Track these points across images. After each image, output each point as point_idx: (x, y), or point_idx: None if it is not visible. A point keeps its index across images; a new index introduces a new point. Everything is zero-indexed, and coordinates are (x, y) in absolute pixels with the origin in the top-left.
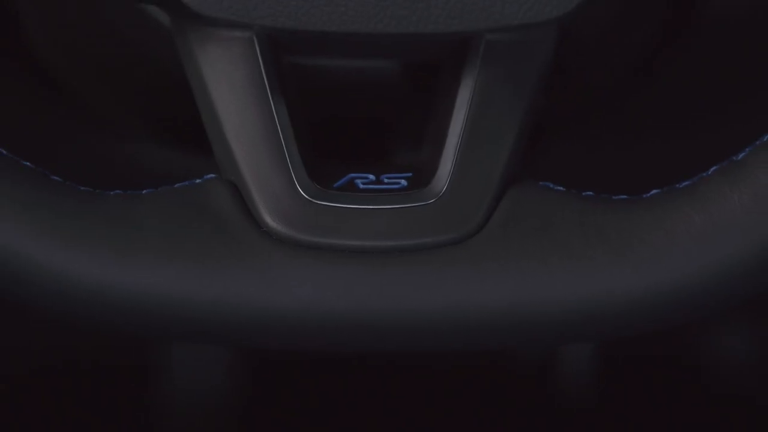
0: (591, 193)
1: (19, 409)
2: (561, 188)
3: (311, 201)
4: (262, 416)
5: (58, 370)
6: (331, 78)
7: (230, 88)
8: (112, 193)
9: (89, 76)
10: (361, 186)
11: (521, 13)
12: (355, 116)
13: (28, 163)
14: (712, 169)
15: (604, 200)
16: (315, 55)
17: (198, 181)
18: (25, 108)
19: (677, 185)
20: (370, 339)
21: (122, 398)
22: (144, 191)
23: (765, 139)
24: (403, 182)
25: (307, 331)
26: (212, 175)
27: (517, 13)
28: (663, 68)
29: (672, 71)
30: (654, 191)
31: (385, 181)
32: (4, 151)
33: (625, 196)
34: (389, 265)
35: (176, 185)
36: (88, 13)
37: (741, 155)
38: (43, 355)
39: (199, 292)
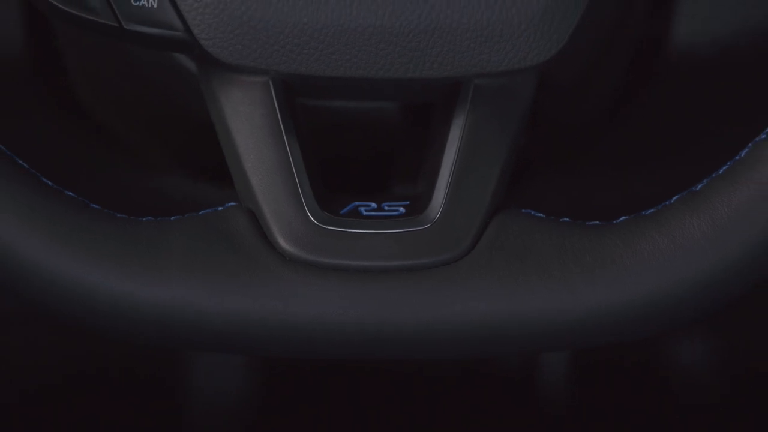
0: (567, 219)
1: (53, 413)
2: (541, 215)
3: (320, 226)
4: (275, 418)
5: (90, 378)
6: (338, 117)
7: (249, 127)
8: (144, 219)
9: (125, 116)
10: (365, 213)
11: (506, 61)
12: (359, 151)
13: (71, 193)
14: (674, 198)
15: (579, 226)
16: (324, 97)
17: (220, 208)
18: (69, 144)
19: (643, 212)
20: (372, 348)
21: (149, 402)
22: (173, 218)
23: (720, 172)
24: (402, 209)
25: (316, 341)
26: (232, 204)
27: (502, 61)
28: (630, 109)
29: (638, 112)
30: (623, 218)
31: (386, 208)
32: (50, 183)
33: (597, 222)
34: (389, 283)
35: (201, 212)
36: (124, 62)
37: (699, 186)
38: (75, 364)
39: (221, 307)
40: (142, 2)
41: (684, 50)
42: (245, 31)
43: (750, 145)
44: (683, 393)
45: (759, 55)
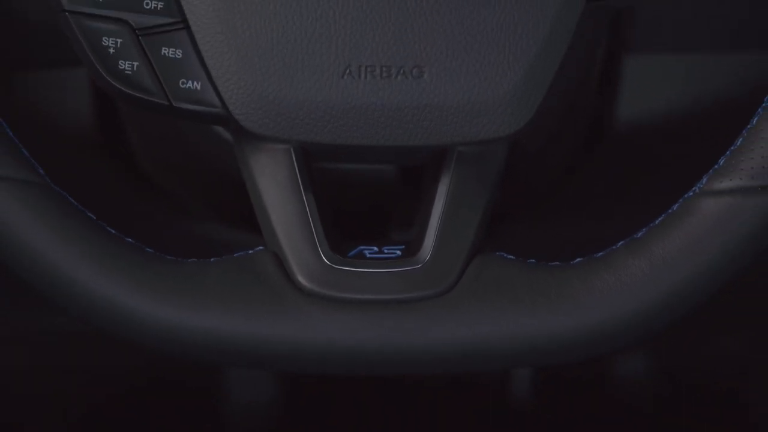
0: (533, 260)
1: (114, 416)
2: (512, 257)
3: (332, 266)
4: (297, 419)
5: (145, 387)
6: (346, 177)
7: (273, 185)
8: (188, 260)
9: (174, 176)
10: (368, 255)
11: (483, 132)
12: (364, 204)
13: (130, 240)
14: (619, 243)
15: (542, 266)
16: (335, 161)
17: (250, 252)
18: (128, 198)
19: (595, 255)
20: (374, 367)
21: (191, 407)
22: (212, 259)
23: (656, 223)
24: (399, 252)
25: (329, 361)
26: (260, 248)
27: (480, 132)
28: (583, 170)
29: (590, 172)
30: (578, 259)
31: (385, 251)
32: (113, 231)
33: (557, 263)
34: (388, 313)
35: (234, 255)
36: (173, 133)
37: (640, 234)
38: (136, 375)
39: (251, 333)
40: (188, 84)
41: (626, 121)
42: (272, 109)
43: (680, 200)
44: (628, 399)
45: (687, 127)
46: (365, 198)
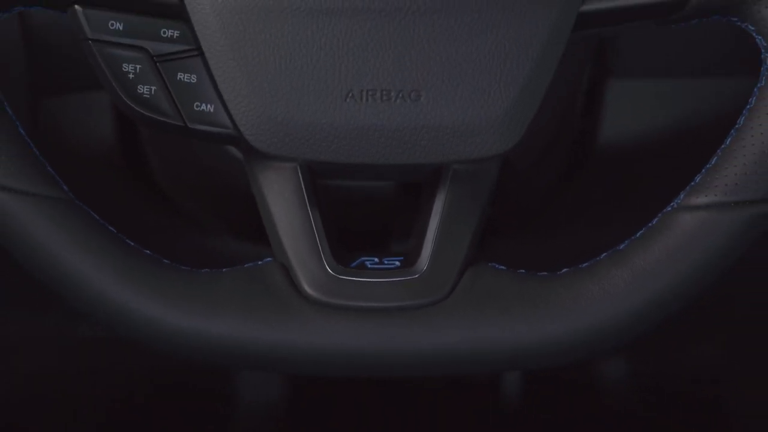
0: (523, 270)
1: (134, 415)
2: (503, 267)
3: (336, 276)
4: (303, 417)
5: (165, 388)
6: (349, 193)
7: (281, 201)
8: (202, 270)
9: (188, 192)
10: (369, 266)
11: (476, 151)
12: (366, 218)
13: (148, 252)
14: (603, 255)
15: (531, 276)
16: (339, 178)
17: (259, 262)
18: (146, 213)
19: (580, 266)
20: (374, 369)
21: (202, 406)
22: (224, 269)
23: (637, 236)
24: (398, 263)
25: (333, 364)
26: (269, 259)
27: (473, 152)
28: (569, 186)
29: (575, 188)
30: (565, 270)
31: (386, 262)
32: (132, 243)
33: (546, 273)
34: (388, 320)
35: (245, 265)
36: (188, 152)
37: (622, 246)
38: (152, 378)
39: (260, 338)
40: (202, 107)
41: (609, 142)
42: (279, 130)
43: (660, 215)
44: (611, 400)
45: (666, 147)
46: (367, 212)
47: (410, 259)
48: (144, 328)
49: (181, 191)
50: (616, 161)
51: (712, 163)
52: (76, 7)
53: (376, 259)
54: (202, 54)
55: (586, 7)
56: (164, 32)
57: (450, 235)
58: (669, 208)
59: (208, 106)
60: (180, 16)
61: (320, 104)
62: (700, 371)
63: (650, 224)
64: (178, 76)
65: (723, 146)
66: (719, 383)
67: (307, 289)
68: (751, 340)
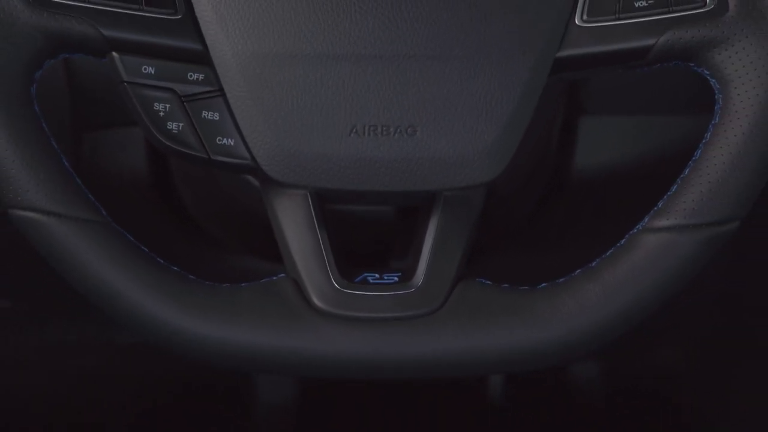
0: (507, 285)
1: (159, 414)
2: (489, 282)
3: (341, 290)
4: (313, 415)
5: (189, 389)
6: (354, 216)
7: (293, 223)
8: (223, 285)
9: (212, 215)
10: (371, 281)
11: (465, 180)
12: (368, 238)
13: (176, 268)
14: (577, 271)
15: (514, 289)
16: (345, 203)
17: (274, 278)
18: (175, 234)
19: (557, 281)
20: (375, 372)
21: (222, 405)
22: (242, 284)
23: (607, 254)
24: (396, 278)
25: (338, 368)
26: (282, 275)
27: (462, 180)
28: (546, 210)
29: (552, 212)
30: (543, 284)
31: (386, 277)
32: (162, 261)
33: (526, 287)
34: (387, 329)
35: (261, 280)
36: (213, 182)
37: (594, 263)
38: (178, 381)
39: (275, 345)
40: (223, 141)
41: (581, 171)
42: (292, 161)
43: (627, 236)
44: (583, 399)
45: (632, 175)
46: (369, 233)
47: (407, 274)
48: (172, 335)
49: (204, 215)
50: (589, 189)
51: (673, 190)
52: (114, 54)
53: (377, 275)
54: (223, 94)
55: (561, 54)
56: (190, 75)
57: (442, 254)
58: (635, 230)
59: (229, 140)
60: (204, 61)
61: (327, 138)
62: (660, 371)
63: (619, 244)
64: (203, 114)
65: (682, 175)
66: (678, 382)
67: (316, 301)
68: (706, 345)
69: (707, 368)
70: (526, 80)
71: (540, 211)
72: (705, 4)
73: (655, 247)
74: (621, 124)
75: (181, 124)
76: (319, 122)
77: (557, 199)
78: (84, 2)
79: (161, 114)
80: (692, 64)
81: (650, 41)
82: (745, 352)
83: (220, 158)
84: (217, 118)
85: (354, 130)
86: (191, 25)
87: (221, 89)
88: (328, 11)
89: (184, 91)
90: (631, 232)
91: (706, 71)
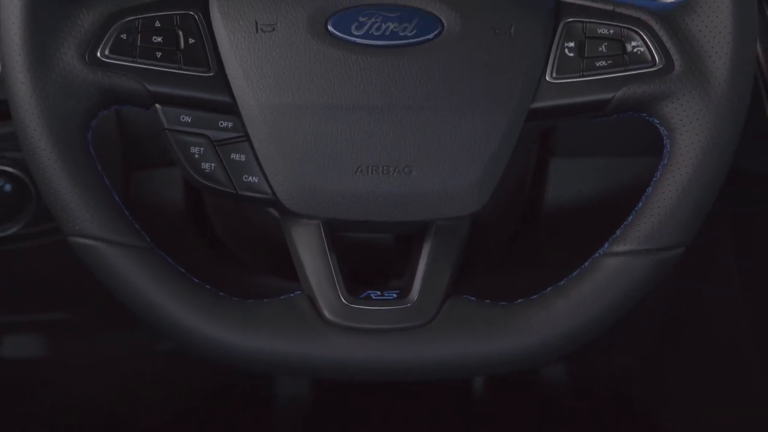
0: (488, 301)
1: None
2: (473, 298)
3: (348, 305)
4: (327, 412)
5: (215, 390)
6: (359, 242)
7: (307, 248)
8: (248, 300)
9: (238, 241)
10: (374, 297)
11: (454, 211)
12: (371, 261)
13: (208, 286)
14: (548, 289)
15: (495, 305)
16: (351, 231)
17: (291, 295)
18: (207, 258)
19: (531, 297)
20: (377, 375)
21: (243, 403)
22: (265, 300)
23: (573, 275)
24: (395, 295)
25: (346, 371)
26: (299, 292)
27: (452, 212)
28: (521, 237)
29: (526, 238)
30: (520, 300)
31: (386, 294)
32: (196, 280)
33: (505, 303)
34: (387, 338)
35: (280, 297)
36: (240, 213)
37: (562, 282)
38: (207, 383)
39: (292, 351)
40: (249, 179)
41: (553, 203)
42: (307, 195)
43: (590, 259)
44: (552, 397)
45: (595, 208)
46: (372, 257)
47: (404, 292)
48: (205, 344)
49: (233, 241)
50: (558, 219)
51: (629, 220)
52: (157, 105)
53: (379, 292)
54: (249, 139)
55: (534, 105)
56: (221, 123)
57: (434, 274)
58: (597, 254)
59: (254, 178)
60: (233, 112)
61: (337, 176)
62: (616, 373)
63: (583, 266)
64: (231, 156)
65: (636, 208)
66: (630, 382)
67: (327, 314)
68: (654, 351)
69: (654, 370)
70: (505, 127)
71: (517, 238)
72: (655, 64)
73: (613, 268)
74: (585, 164)
75: (213, 165)
76: (329, 163)
77: (532, 227)
78: (132, 62)
79: (196, 156)
80: (644, 115)
81: (609, 95)
82: (685, 356)
83: (246, 193)
84: (244, 159)
85: (359, 170)
86: (222, 81)
87: (247, 135)
88: (337, 70)
89: (215, 136)
90: (593, 256)
91: (656, 120)
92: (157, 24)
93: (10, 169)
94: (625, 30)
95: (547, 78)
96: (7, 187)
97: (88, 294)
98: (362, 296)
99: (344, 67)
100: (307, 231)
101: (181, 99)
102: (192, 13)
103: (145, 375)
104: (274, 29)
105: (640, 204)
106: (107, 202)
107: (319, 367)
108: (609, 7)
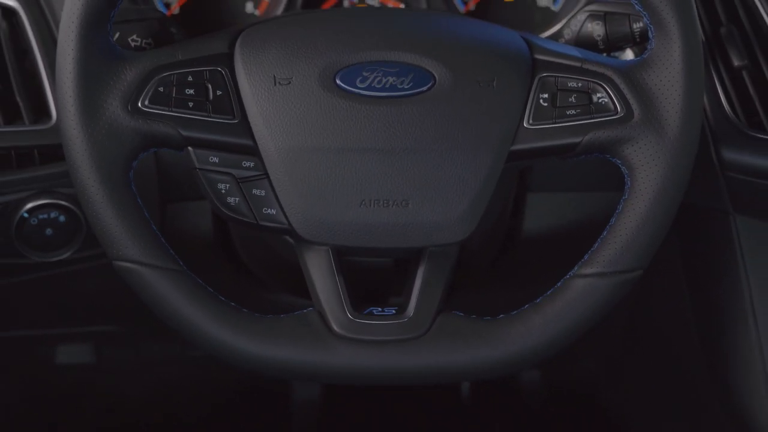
0: (475, 316)
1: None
2: (461, 314)
3: (354, 320)
4: (336, 410)
5: (238, 392)
6: (363, 266)
7: (319, 270)
8: (268, 316)
9: (260, 265)
10: (375, 313)
11: (444, 239)
12: (373, 282)
13: (233, 303)
14: (526, 306)
15: (480, 320)
16: (356, 256)
17: (305, 311)
18: (233, 279)
19: (512, 313)
20: (377, 380)
21: (261, 404)
22: (281, 315)
23: (548, 294)
24: (393, 311)
25: (352, 377)
26: (311, 308)
27: (443, 239)
28: (503, 262)
29: (507, 263)
30: (501, 315)
31: (386, 310)
32: (222, 298)
33: (489, 318)
34: (387, 348)
35: (295, 313)
36: (261, 241)
37: (538, 300)
38: (231, 386)
39: (306, 360)
40: (268, 211)
41: (530, 233)
42: (318, 225)
43: (562, 280)
44: (528, 397)
45: (566, 236)
46: (374, 278)
47: (402, 308)
48: (231, 352)
49: (254, 264)
50: (534, 245)
51: (595, 247)
52: (189, 148)
53: (380, 308)
54: (268, 177)
55: (513, 148)
56: (244, 163)
57: (428, 293)
58: (568, 276)
59: (272, 210)
60: (254, 153)
61: (344, 209)
62: (585, 377)
63: (556, 286)
64: (253, 191)
65: (601, 236)
66: (597, 385)
67: (335, 328)
68: (617, 357)
69: (617, 373)
70: (489, 167)
71: (499, 262)
72: (617, 113)
73: (582, 288)
74: (557, 198)
75: (237, 199)
76: (337, 197)
77: (512, 253)
78: (168, 111)
79: (223, 191)
80: (608, 156)
81: (578, 139)
82: (643, 361)
83: (265, 223)
84: (264, 194)
85: (363, 203)
86: (245, 127)
87: (266, 173)
88: (344, 117)
89: (239, 174)
90: (565, 277)
91: (618, 161)
92: (190, 78)
93: (64, 203)
94: (591, 83)
95: (524, 124)
96: (62, 218)
97: (130, 309)
98: (366, 312)
99: (350, 115)
100: (318, 255)
101: (210, 142)
102: (219, 69)
103: (180, 379)
104: (289, 83)
105: (605, 233)
106: (146, 231)
107: (329, 373)
108: (578, 64)
